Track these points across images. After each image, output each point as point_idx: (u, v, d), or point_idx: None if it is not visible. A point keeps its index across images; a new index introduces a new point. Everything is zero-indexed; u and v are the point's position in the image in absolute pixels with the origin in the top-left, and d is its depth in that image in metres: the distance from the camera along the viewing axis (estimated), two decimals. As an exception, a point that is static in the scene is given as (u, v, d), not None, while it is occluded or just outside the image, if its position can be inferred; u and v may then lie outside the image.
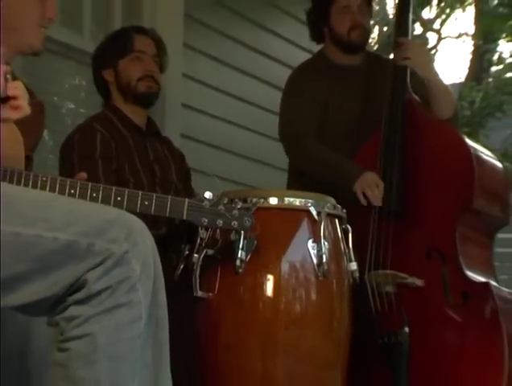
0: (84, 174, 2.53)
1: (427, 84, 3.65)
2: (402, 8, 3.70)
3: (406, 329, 3.25)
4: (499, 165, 3.65)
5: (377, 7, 10.40)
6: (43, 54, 2.85)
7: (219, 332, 2.83)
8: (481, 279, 3.30)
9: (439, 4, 11.17)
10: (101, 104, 3.49)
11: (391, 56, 3.70)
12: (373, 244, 3.36)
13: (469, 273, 3.28)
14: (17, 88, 1.55)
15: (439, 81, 3.66)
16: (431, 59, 3.88)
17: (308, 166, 3.59)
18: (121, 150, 3.27)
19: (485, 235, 3.51)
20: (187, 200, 2.54)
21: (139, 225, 1.65)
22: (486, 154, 3.59)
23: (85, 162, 3.17)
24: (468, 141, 3.50)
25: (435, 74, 3.68)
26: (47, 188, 2.33)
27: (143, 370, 1.59)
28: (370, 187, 3.38)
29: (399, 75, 3.56)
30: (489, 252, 3.53)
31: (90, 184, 2.42)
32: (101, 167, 3.19)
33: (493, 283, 3.32)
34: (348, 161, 3.51)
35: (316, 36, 3.87)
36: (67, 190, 2.36)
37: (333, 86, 3.70)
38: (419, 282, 3.31)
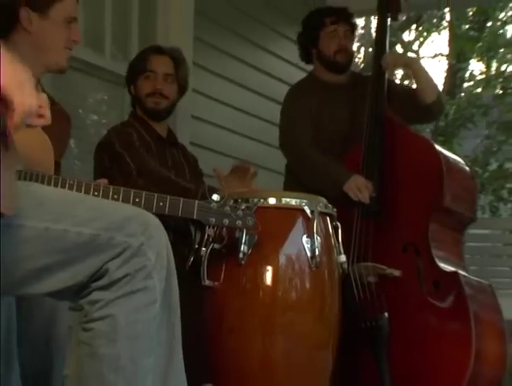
0: (105, 180, 2.53)
1: (411, 71, 3.70)
2: (380, 32, 3.71)
3: (386, 314, 3.26)
4: (467, 169, 3.66)
5: (362, 31, 10.40)
6: (69, 72, 2.85)
7: (224, 316, 2.83)
8: (451, 269, 3.31)
9: (417, 28, 11.17)
10: (129, 113, 3.50)
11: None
12: (356, 240, 3.37)
13: (440, 264, 3.29)
14: (43, 99, 1.55)
15: (422, 67, 3.70)
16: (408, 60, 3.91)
17: (305, 169, 3.59)
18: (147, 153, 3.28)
19: (455, 231, 3.51)
20: (196, 202, 2.54)
21: (155, 221, 1.65)
22: (455, 159, 3.60)
23: (130, 148, 3.18)
24: (439, 148, 3.51)
25: (417, 61, 3.71)
26: (74, 190, 2.33)
27: (158, 348, 1.60)
28: (360, 188, 3.39)
29: (378, 90, 3.57)
30: (459, 246, 3.53)
31: (112, 187, 2.43)
32: (143, 153, 3.19)
33: (462, 272, 3.32)
34: (340, 165, 3.52)
35: (305, 56, 3.89)
36: (91, 192, 2.36)
37: (324, 101, 3.72)
38: (396, 273, 3.31)
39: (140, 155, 3.18)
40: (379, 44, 3.69)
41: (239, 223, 2.59)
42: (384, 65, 3.61)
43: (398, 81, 7.50)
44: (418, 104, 3.63)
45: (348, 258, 3.11)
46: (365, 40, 10.54)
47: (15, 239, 1.52)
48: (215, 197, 2.54)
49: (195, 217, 2.55)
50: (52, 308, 2.06)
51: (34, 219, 1.53)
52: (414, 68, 3.73)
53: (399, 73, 9.10)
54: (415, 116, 3.71)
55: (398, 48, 10.99)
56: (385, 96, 3.57)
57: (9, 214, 1.39)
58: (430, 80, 3.73)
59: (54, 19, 2.48)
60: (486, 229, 5.15)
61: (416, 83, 3.70)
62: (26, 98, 1.43)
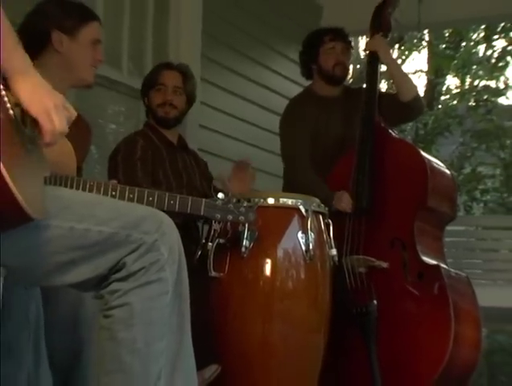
0: (114, 182, 2.53)
1: (389, 69, 3.71)
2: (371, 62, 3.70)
3: (375, 301, 3.24)
4: (448, 172, 3.65)
5: (352, 50, 10.38)
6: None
7: (228, 304, 2.83)
8: (433, 262, 3.30)
9: (400, 47, 11.16)
10: (144, 123, 3.49)
11: (364, 86, 3.70)
12: (348, 235, 3.35)
13: (424, 258, 3.28)
14: (72, 114, 1.54)
15: (399, 66, 3.71)
16: (390, 49, 3.91)
17: (296, 182, 3.58)
18: (157, 159, 3.26)
19: (437, 227, 3.49)
20: (204, 200, 2.55)
21: (167, 220, 1.65)
22: (437, 164, 3.58)
23: (127, 162, 3.17)
24: (423, 154, 3.50)
25: (395, 61, 3.72)
26: (94, 191, 2.33)
27: (170, 333, 1.59)
28: (343, 203, 3.38)
29: (371, 101, 3.56)
30: (440, 241, 3.52)
31: (128, 187, 2.42)
32: (139, 168, 3.18)
33: (443, 265, 3.31)
34: (324, 187, 3.47)
35: (306, 73, 3.87)
36: (109, 193, 2.36)
37: (320, 112, 3.70)
38: (384, 265, 3.30)
39: (132, 168, 3.16)
40: (372, 60, 3.67)
41: (241, 218, 2.60)
42: (369, 45, 3.65)
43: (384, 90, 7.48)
44: (399, 103, 3.62)
45: (341, 251, 3.11)
46: (353, 58, 10.53)
47: (43, 237, 1.51)
48: (220, 195, 2.57)
49: (202, 213, 2.55)
50: (78, 296, 2.05)
51: (59, 220, 1.53)
52: (393, 65, 3.75)
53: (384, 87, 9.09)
54: (398, 114, 3.68)
55: (383, 65, 10.93)
56: (376, 108, 3.56)
57: (39, 218, 1.39)
58: (408, 79, 3.75)
59: (82, 41, 2.49)
60: (461, 226, 5.13)
61: (394, 81, 3.71)
62: (56, 123, 1.44)
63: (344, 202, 3.39)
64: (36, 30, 2.46)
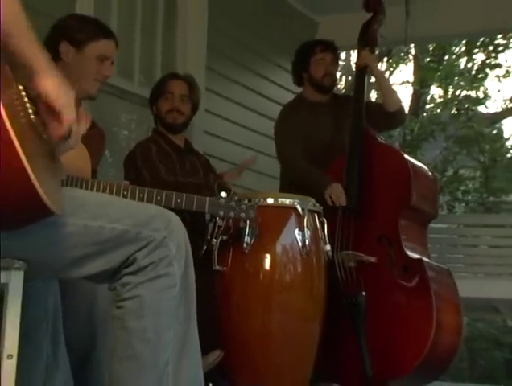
0: (127, 182, 2.53)
1: (377, 82, 3.71)
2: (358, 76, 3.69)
3: (363, 293, 3.23)
4: (430, 174, 3.66)
5: (343, 62, 10.36)
6: (105, 96, 2.84)
7: (231, 295, 2.83)
8: (417, 256, 3.30)
9: (388, 60, 11.15)
10: (151, 130, 3.48)
11: (352, 94, 3.70)
12: (339, 232, 3.35)
13: (408, 252, 3.28)
14: (86, 119, 1.54)
15: (386, 80, 3.72)
16: (378, 63, 3.92)
17: (295, 176, 3.58)
18: (167, 163, 3.25)
19: (420, 225, 3.49)
20: (208, 198, 2.55)
21: (175, 218, 1.64)
22: (420, 166, 3.59)
23: (149, 165, 3.16)
24: (408, 157, 3.51)
25: (383, 75, 3.73)
26: (107, 191, 2.33)
27: (177, 323, 1.58)
28: (337, 194, 3.38)
29: (359, 110, 3.56)
30: (423, 237, 3.51)
31: (138, 188, 2.42)
32: (161, 168, 3.18)
33: (426, 259, 3.31)
34: (323, 173, 3.49)
35: (298, 80, 3.87)
36: (121, 192, 2.36)
37: (311, 117, 3.70)
38: (372, 259, 3.30)
39: (155, 169, 3.16)
40: (360, 73, 3.67)
41: (243, 215, 2.60)
42: (360, 60, 3.64)
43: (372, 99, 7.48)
44: (385, 113, 3.62)
45: (332, 247, 3.11)
46: (345, 70, 10.50)
47: (61, 234, 1.51)
48: (223, 194, 2.56)
49: (206, 211, 2.56)
50: (92, 288, 2.05)
51: (75, 218, 1.52)
52: (381, 78, 3.75)
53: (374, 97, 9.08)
54: (383, 122, 3.68)
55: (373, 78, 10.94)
56: (363, 116, 3.56)
57: (58, 213, 1.39)
58: (393, 92, 3.75)
59: (87, 54, 2.47)
60: (444, 223, 5.12)
61: (381, 92, 3.71)
62: (72, 114, 1.43)
63: (337, 193, 3.38)
64: (49, 41, 2.46)
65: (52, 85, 1.41)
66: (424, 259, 3.29)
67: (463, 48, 11.05)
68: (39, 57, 1.41)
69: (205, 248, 2.85)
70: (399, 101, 3.73)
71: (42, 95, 1.41)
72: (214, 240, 2.81)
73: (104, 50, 2.51)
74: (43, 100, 1.41)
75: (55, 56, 2.42)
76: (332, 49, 3.77)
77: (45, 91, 1.40)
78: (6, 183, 1.26)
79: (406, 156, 3.53)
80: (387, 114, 3.62)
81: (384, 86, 3.76)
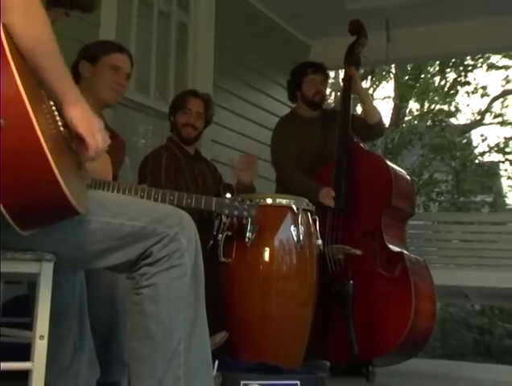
0: (144, 185, 2.52)
1: (360, 98, 3.71)
2: (347, 80, 3.69)
3: (351, 282, 3.24)
4: (408, 177, 3.66)
5: (333, 80, 10.36)
6: (124, 109, 2.82)
7: (234, 283, 2.82)
8: (397, 249, 3.30)
9: (372, 78, 11.17)
10: (166, 138, 3.47)
11: (339, 108, 3.69)
12: (329, 229, 3.35)
13: (390, 246, 3.28)
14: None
15: (368, 96, 3.72)
16: (361, 81, 3.94)
17: (290, 186, 3.55)
18: (178, 168, 3.23)
19: (400, 221, 3.50)
20: (214, 198, 2.56)
21: (186, 216, 1.63)
22: (400, 171, 3.59)
23: (154, 174, 3.14)
24: (389, 163, 3.51)
25: (365, 91, 3.72)
26: (127, 192, 2.33)
27: (188, 308, 1.58)
28: (328, 198, 3.36)
29: (345, 122, 3.55)
30: (403, 233, 3.53)
31: (154, 189, 2.42)
32: (163, 177, 3.16)
33: (405, 252, 3.32)
34: (313, 183, 3.46)
35: (292, 97, 3.86)
36: (139, 193, 2.36)
37: (303, 130, 3.69)
38: (358, 252, 3.30)
39: (158, 178, 3.11)
40: (346, 89, 3.67)
41: (245, 213, 2.59)
42: (346, 73, 3.67)
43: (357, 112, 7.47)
44: (366, 125, 3.61)
45: (324, 241, 3.10)
46: (335, 87, 10.52)
47: (85, 229, 1.50)
48: (228, 195, 2.56)
49: (213, 209, 2.56)
50: (113, 277, 2.04)
51: (98, 216, 1.52)
52: (363, 94, 3.75)
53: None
54: (365, 133, 3.66)
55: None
56: (349, 127, 3.55)
57: (83, 212, 1.38)
58: (374, 107, 3.74)
59: (100, 66, 2.48)
60: (421, 221, 5.12)
61: (363, 107, 3.70)
62: (98, 142, 1.45)
63: (329, 197, 3.37)
64: (74, 65, 2.47)
65: (76, 115, 1.42)
66: (404, 252, 3.29)
67: (437, 68, 11.08)
68: (70, 90, 1.42)
69: (212, 242, 2.85)
70: (379, 115, 3.72)
71: (68, 121, 1.42)
72: (220, 235, 2.81)
73: (116, 61, 2.50)
74: (70, 126, 1.43)
75: (76, 75, 2.41)
76: (322, 70, 3.76)
77: (70, 118, 1.41)
78: (39, 188, 1.27)
79: (388, 162, 3.53)
80: (368, 126, 3.62)
81: (366, 101, 3.76)
